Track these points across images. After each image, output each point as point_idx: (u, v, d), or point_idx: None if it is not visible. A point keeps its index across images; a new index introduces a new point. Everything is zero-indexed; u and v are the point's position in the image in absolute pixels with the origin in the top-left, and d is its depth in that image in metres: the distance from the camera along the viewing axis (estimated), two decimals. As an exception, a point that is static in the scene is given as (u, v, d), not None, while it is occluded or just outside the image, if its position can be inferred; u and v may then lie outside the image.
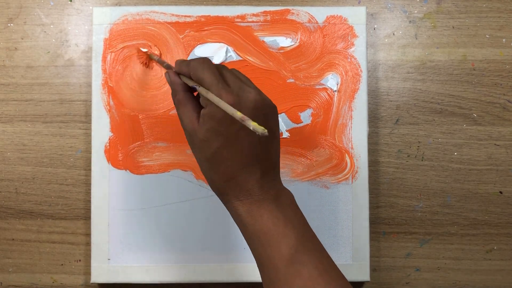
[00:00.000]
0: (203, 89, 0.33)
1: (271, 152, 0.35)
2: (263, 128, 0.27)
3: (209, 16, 0.49)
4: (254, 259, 0.47)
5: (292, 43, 0.49)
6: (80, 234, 0.50)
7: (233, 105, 0.32)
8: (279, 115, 0.48)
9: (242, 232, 0.35)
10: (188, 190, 0.48)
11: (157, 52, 0.48)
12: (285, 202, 0.35)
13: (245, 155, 0.34)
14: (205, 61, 0.35)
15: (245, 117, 0.28)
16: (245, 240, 0.35)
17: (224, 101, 0.32)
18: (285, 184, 0.48)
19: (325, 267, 0.34)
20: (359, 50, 0.48)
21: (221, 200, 0.36)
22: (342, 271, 0.48)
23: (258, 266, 0.35)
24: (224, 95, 0.32)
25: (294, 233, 0.33)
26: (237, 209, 0.34)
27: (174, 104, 0.37)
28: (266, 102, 0.34)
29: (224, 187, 0.35)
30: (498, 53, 0.50)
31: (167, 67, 0.42)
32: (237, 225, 0.36)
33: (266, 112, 0.34)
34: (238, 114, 0.29)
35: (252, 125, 0.27)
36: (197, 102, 0.36)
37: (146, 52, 0.48)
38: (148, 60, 0.48)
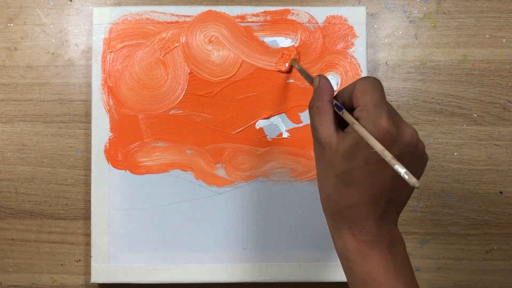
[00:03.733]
0: (349, 116, 0.31)
1: (402, 196, 0.32)
2: (416, 180, 0.25)
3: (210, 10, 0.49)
4: (253, 259, 0.47)
5: (292, 43, 0.49)
6: (80, 234, 0.50)
7: (389, 133, 0.29)
8: (279, 115, 0.49)
9: (345, 270, 0.32)
10: (188, 190, 0.48)
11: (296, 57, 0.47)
12: (398, 249, 0.32)
13: (377, 186, 0.30)
14: (377, 81, 0.32)
15: (395, 160, 0.26)
16: (347, 280, 0.33)
17: (382, 124, 0.29)
18: (285, 184, 0.49)
19: None
20: (359, 50, 0.48)
21: (331, 227, 0.33)
22: (342, 271, 0.48)
23: None
24: (384, 118, 0.29)
25: (403, 285, 0.30)
26: (347, 243, 0.31)
27: (310, 111, 0.34)
28: (421, 145, 0.31)
29: (342, 213, 0.31)
30: (498, 53, 0.50)
31: (308, 77, 0.40)
32: (341, 260, 0.33)
33: (419, 154, 0.31)
34: (387, 154, 0.26)
35: (404, 171, 0.25)
36: (336, 115, 0.33)
37: (291, 57, 0.47)
38: (286, 65, 0.48)
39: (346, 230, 0.31)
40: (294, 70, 0.48)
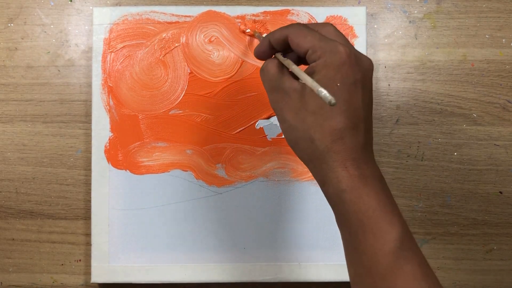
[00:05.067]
0: (279, 56, 0.33)
1: (370, 119, 0.32)
2: (332, 97, 0.25)
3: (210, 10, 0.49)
4: (253, 259, 0.47)
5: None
6: (80, 234, 0.50)
7: (314, 43, 0.30)
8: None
9: (335, 211, 0.31)
10: (188, 190, 0.48)
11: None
12: (385, 185, 0.31)
13: (353, 113, 0.30)
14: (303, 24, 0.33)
15: (319, 87, 0.26)
16: (336, 223, 0.31)
17: (308, 38, 0.30)
18: (285, 184, 0.49)
19: (427, 270, 0.30)
20: (359, 50, 0.48)
21: (321, 171, 0.31)
22: (342, 271, 0.48)
23: (349, 253, 0.31)
24: (310, 35, 0.30)
25: (400, 222, 0.29)
26: (340, 181, 0.30)
27: (262, 71, 0.34)
28: (361, 56, 0.31)
29: (330, 149, 0.30)
30: (498, 53, 0.50)
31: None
32: (331, 201, 0.31)
33: (363, 66, 0.31)
34: (313, 83, 0.27)
35: (324, 92, 0.25)
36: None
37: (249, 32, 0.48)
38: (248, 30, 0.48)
39: (339, 166, 0.30)
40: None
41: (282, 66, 0.33)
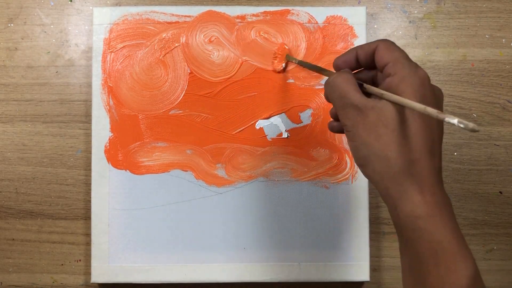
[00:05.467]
0: (375, 89, 0.31)
1: (441, 146, 0.30)
2: (473, 124, 0.23)
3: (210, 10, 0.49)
4: (253, 259, 0.47)
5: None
6: (80, 234, 0.50)
7: (428, 79, 0.29)
8: (278, 116, 0.49)
9: (403, 236, 0.29)
10: (188, 190, 0.48)
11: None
12: (454, 213, 0.29)
13: (430, 136, 0.29)
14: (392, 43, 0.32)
15: (442, 113, 0.25)
16: (400, 248, 0.30)
17: (421, 71, 0.29)
18: (285, 184, 0.49)
19: None
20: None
21: (388, 191, 0.29)
22: (342, 271, 0.48)
23: (412, 282, 0.29)
24: (420, 68, 0.29)
25: (472, 259, 0.28)
26: (416, 207, 0.28)
27: (331, 82, 0.32)
28: (434, 86, 0.31)
29: (407, 170, 0.28)
30: (498, 53, 0.50)
31: (312, 67, 0.40)
32: (401, 226, 0.29)
33: (437, 95, 0.30)
34: (430, 110, 0.26)
35: (456, 120, 0.24)
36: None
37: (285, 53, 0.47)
38: (282, 63, 0.48)
39: (415, 191, 0.28)
40: (293, 69, 0.48)
41: (352, 81, 0.32)
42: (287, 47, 0.48)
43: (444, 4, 0.51)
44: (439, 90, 0.31)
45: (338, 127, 0.36)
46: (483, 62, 0.50)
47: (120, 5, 0.50)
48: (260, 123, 0.49)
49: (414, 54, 0.50)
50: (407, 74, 0.29)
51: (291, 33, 0.49)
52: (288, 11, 0.49)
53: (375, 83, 0.33)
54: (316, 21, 0.49)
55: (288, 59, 0.47)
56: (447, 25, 0.51)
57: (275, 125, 0.49)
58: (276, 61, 0.48)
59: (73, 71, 0.50)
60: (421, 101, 0.28)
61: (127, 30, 0.48)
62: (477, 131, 0.24)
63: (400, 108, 0.29)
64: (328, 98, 0.33)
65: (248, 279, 0.48)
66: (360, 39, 0.48)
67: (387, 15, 0.51)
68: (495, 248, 0.50)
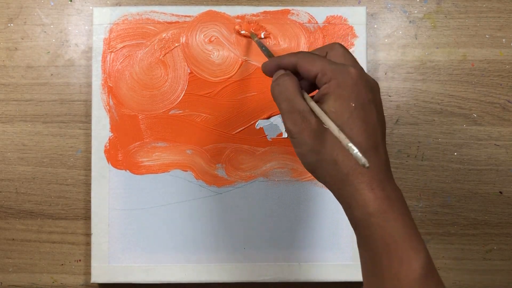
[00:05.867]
0: (309, 99, 0.31)
1: (385, 139, 0.31)
2: (365, 160, 0.25)
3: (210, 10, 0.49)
4: (253, 259, 0.47)
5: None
6: (80, 234, 0.50)
7: (323, 66, 0.30)
8: (278, 116, 0.49)
9: (359, 234, 0.30)
10: (188, 190, 0.48)
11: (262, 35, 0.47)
12: (406, 206, 0.30)
13: (372, 132, 0.30)
14: (316, 55, 0.32)
15: (349, 143, 0.26)
16: (358, 246, 0.30)
17: (317, 62, 0.30)
18: (285, 184, 0.49)
19: None
20: (359, 50, 0.48)
21: (346, 194, 0.30)
22: (342, 271, 0.48)
23: (369, 277, 0.30)
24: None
25: (425, 249, 0.29)
26: (367, 204, 0.29)
27: (276, 87, 0.32)
28: (369, 78, 0.31)
29: (355, 170, 0.29)
30: (498, 53, 0.50)
31: (267, 53, 0.39)
32: (356, 224, 0.30)
33: (372, 87, 0.31)
34: (342, 136, 0.27)
35: (355, 151, 0.25)
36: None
37: (246, 34, 0.47)
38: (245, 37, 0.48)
39: (365, 188, 0.29)
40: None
41: (298, 85, 0.32)
42: (253, 31, 0.48)
43: (444, 4, 0.51)
44: (375, 82, 0.32)
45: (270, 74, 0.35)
46: (483, 62, 0.50)
47: (120, 5, 0.50)
48: (260, 123, 0.49)
49: (414, 54, 0.50)
50: (340, 78, 0.30)
51: (291, 33, 0.49)
52: (288, 11, 0.49)
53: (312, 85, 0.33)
54: (316, 21, 0.49)
55: (252, 36, 0.47)
56: (447, 25, 0.51)
57: (275, 125, 0.49)
58: (239, 28, 0.48)
59: (73, 71, 0.50)
60: (357, 101, 0.29)
61: (127, 30, 0.48)
62: (367, 167, 0.25)
63: (343, 110, 0.29)
64: (275, 99, 0.32)
65: (248, 279, 0.48)
66: (360, 39, 0.48)
67: (387, 15, 0.51)
68: (495, 248, 0.50)
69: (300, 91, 0.31)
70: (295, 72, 0.33)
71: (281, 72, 0.33)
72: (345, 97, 0.30)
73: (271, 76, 0.34)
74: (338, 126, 0.28)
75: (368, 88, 0.30)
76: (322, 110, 0.30)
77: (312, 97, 0.31)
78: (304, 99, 0.31)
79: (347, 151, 0.28)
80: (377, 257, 0.29)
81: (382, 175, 0.29)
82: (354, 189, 0.29)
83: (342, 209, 0.48)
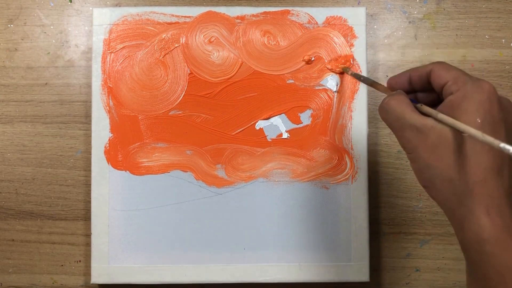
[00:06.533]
0: (429, 109, 0.30)
1: (508, 160, 0.29)
2: None
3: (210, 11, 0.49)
4: (253, 259, 0.47)
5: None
6: (80, 235, 0.50)
7: (494, 94, 0.28)
8: (278, 116, 0.49)
9: (470, 260, 0.28)
10: (188, 191, 0.48)
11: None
12: None
13: (498, 154, 0.27)
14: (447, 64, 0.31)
15: (501, 143, 0.24)
16: (467, 272, 0.29)
17: (485, 85, 0.28)
18: (285, 185, 0.49)
19: None
20: (358, 51, 0.48)
21: (453, 213, 0.29)
22: (342, 272, 0.48)
23: None
24: (484, 81, 0.28)
25: None
26: (482, 230, 0.27)
27: (386, 105, 0.31)
28: (502, 97, 0.29)
29: (472, 190, 0.27)
30: (497, 54, 0.50)
31: (371, 82, 0.39)
32: (468, 249, 0.28)
33: (505, 107, 0.29)
34: (488, 138, 0.25)
35: (502, 144, 0.24)
36: None
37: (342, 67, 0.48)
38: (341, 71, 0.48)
39: (481, 212, 0.27)
40: (293, 69, 0.48)
41: (407, 103, 0.31)
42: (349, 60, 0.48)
43: (444, 4, 0.51)
44: (508, 101, 0.30)
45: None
46: (483, 62, 0.50)
47: (120, 6, 0.50)
48: (260, 124, 0.49)
49: (414, 54, 0.50)
50: (470, 90, 0.28)
51: (291, 34, 0.49)
52: (288, 12, 0.49)
53: (433, 107, 0.32)
54: (316, 22, 0.49)
55: (345, 70, 0.47)
56: (447, 26, 0.51)
57: (275, 125, 0.49)
58: (334, 63, 0.48)
59: (73, 72, 0.50)
60: (485, 118, 0.27)
61: (127, 30, 0.48)
62: None
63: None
64: (385, 121, 0.32)
65: (248, 279, 0.48)
66: (360, 40, 0.48)
67: (387, 15, 0.51)
68: (495, 248, 0.50)
69: (410, 106, 0.30)
70: (424, 82, 0.32)
71: (391, 93, 0.32)
72: (471, 111, 0.28)
73: (395, 89, 0.33)
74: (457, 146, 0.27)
75: (499, 106, 0.29)
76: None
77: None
78: (422, 113, 0.30)
79: (461, 167, 0.27)
80: (491, 287, 0.27)
81: (502, 201, 0.27)
82: (468, 211, 0.28)
83: (342, 210, 0.48)
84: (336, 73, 0.48)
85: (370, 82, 0.40)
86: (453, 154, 0.28)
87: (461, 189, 0.28)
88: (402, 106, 0.30)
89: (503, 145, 0.24)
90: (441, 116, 0.29)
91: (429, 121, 0.29)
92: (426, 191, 0.31)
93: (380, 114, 0.32)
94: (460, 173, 0.28)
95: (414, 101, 0.31)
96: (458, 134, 0.28)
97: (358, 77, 0.45)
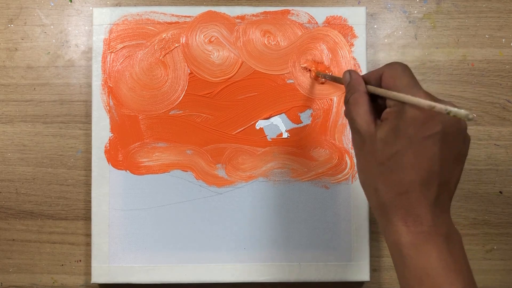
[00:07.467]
0: (392, 92, 0.30)
1: (453, 176, 0.30)
2: (468, 112, 0.24)
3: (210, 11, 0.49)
4: (253, 259, 0.47)
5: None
6: (80, 235, 0.50)
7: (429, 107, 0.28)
8: (278, 116, 0.49)
9: (396, 265, 0.30)
10: (188, 191, 0.48)
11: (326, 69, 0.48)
12: (455, 244, 0.30)
13: (425, 168, 0.28)
14: (404, 66, 0.31)
15: (447, 103, 0.25)
16: (398, 276, 0.31)
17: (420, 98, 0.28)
18: (285, 184, 0.49)
19: None
20: (358, 51, 0.48)
21: (381, 221, 0.31)
22: (342, 271, 0.48)
23: None
24: (422, 94, 0.28)
25: (463, 283, 0.29)
26: (400, 237, 0.29)
27: (347, 104, 0.33)
28: (463, 124, 0.30)
29: (392, 203, 0.29)
30: (497, 53, 0.50)
31: (334, 78, 0.41)
32: (393, 255, 0.30)
33: (462, 134, 0.30)
34: (437, 105, 0.26)
35: (455, 109, 0.25)
36: (373, 106, 0.32)
37: (311, 69, 0.48)
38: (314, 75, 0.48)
39: (399, 221, 0.29)
40: (293, 70, 0.48)
41: (364, 104, 0.32)
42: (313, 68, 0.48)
43: (444, 4, 0.51)
44: (445, 120, 0.30)
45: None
46: (483, 62, 0.50)
47: (120, 6, 0.50)
48: (260, 123, 0.49)
49: (414, 54, 0.50)
50: (402, 108, 0.29)
51: (291, 34, 0.49)
52: (288, 11, 0.49)
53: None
54: (316, 22, 0.49)
55: (318, 75, 0.48)
56: (447, 25, 0.51)
57: (275, 125, 0.49)
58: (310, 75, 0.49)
59: (73, 72, 0.50)
60: (411, 142, 0.28)
61: (127, 30, 0.49)
62: (472, 119, 0.25)
63: (394, 140, 0.29)
64: (345, 114, 0.34)
65: (248, 279, 0.48)
66: (360, 39, 0.48)
67: (387, 15, 0.51)
68: (495, 248, 0.50)
69: (365, 109, 0.31)
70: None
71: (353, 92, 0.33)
72: (400, 127, 0.29)
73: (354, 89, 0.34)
74: (383, 160, 0.29)
75: (434, 122, 0.29)
76: (377, 137, 0.30)
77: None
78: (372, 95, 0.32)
79: (385, 180, 0.29)
80: (410, 284, 0.29)
81: (424, 210, 0.29)
82: (388, 219, 0.30)
83: (342, 209, 0.48)
84: (308, 71, 0.48)
85: (337, 80, 0.41)
86: (380, 166, 0.30)
87: (383, 200, 0.30)
88: (358, 108, 0.32)
89: (449, 108, 0.26)
90: (392, 93, 0.30)
91: (371, 130, 0.30)
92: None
93: (347, 110, 0.33)
94: (383, 185, 0.30)
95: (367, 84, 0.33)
96: (387, 148, 0.29)
97: (326, 77, 0.46)
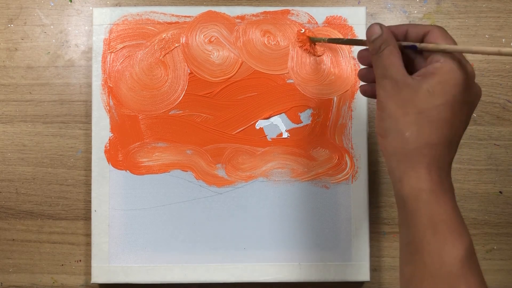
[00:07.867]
0: (432, 45, 0.32)
1: (460, 137, 0.32)
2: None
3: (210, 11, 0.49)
4: (253, 259, 0.47)
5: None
6: (80, 235, 0.50)
7: (474, 76, 0.32)
8: (278, 116, 0.49)
9: (404, 208, 0.31)
10: (188, 191, 0.48)
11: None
12: (455, 201, 0.32)
13: (456, 127, 0.31)
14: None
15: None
16: (399, 221, 0.32)
17: (469, 67, 0.31)
18: (285, 184, 0.49)
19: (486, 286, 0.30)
20: (358, 51, 0.48)
21: (397, 165, 0.32)
22: (342, 271, 0.48)
23: (410, 252, 0.31)
24: (469, 65, 0.31)
25: (468, 235, 0.30)
26: (421, 181, 0.30)
27: (379, 54, 0.33)
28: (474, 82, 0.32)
29: (420, 150, 0.30)
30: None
31: (349, 41, 0.41)
32: (404, 198, 0.31)
33: (475, 93, 0.33)
34: (502, 48, 0.28)
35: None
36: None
37: (305, 34, 0.47)
38: (311, 45, 0.48)
39: (422, 169, 0.30)
40: (293, 70, 0.48)
41: (399, 56, 0.33)
42: (302, 31, 0.48)
43: (444, 4, 0.51)
44: (479, 89, 0.33)
45: (371, 92, 0.37)
46: (483, 62, 0.50)
47: (120, 6, 0.50)
48: (260, 123, 0.49)
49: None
50: (454, 66, 0.31)
51: (291, 34, 0.49)
52: (288, 11, 0.49)
53: (412, 63, 0.34)
54: (316, 22, 0.49)
55: (313, 40, 0.47)
56: (447, 25, 0.51)
57: (275, 125, 0.49)
58: (304, 48, 0.48)
59: (73, 72, 0.50)
60: (454, 100, 0.30)
61: (127, 30, 0.49)
62: None
63: (440, 94, 0.30)
64: (373, 64, 0.34)
65: (248, 279, 0.48)
66: (360, 39, 0.48)
67: (387, 15, 0.51)
68: (495, 248, 0.50)
69: (399, 60, 0.32)
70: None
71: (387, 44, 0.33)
72: (445, 83, 0.30)
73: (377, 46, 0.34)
74: (424, 110, 0.30)
75: (470, 92, 0.32)
76: (422, 87, 0.31)
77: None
78: (417, 51, 0.33)
79: (419, 128, 0.30)
80: (420, 233, 0.30)
81: (444, 166, 0.31)
82: (411, 165, 0.31)
83: (342, 209, 0.48)
84: (305, 48, 0.48)
85: (350, 42, 0.41)
86: (417, 115, 0.31)
87: (412, 146, 0.31)
88: (393, 57, 0.32)
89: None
90: (448, 47, 0.31)
91: (408, 79, 0.31)
92: (378, 140, 0.33)
93: (372, 58, 0.33)
94: (417, 132, 0.31)
95: (414, 46, 0.33)
96: (428, 100, 0.30)
97: (334, 41, 0.45)
